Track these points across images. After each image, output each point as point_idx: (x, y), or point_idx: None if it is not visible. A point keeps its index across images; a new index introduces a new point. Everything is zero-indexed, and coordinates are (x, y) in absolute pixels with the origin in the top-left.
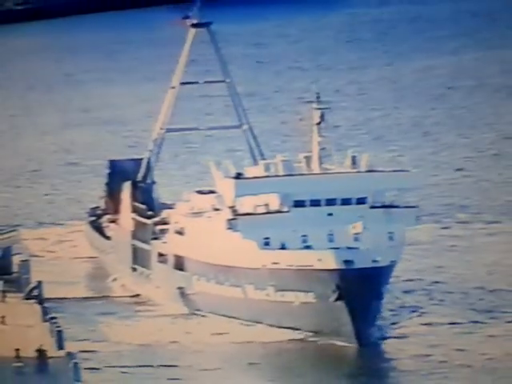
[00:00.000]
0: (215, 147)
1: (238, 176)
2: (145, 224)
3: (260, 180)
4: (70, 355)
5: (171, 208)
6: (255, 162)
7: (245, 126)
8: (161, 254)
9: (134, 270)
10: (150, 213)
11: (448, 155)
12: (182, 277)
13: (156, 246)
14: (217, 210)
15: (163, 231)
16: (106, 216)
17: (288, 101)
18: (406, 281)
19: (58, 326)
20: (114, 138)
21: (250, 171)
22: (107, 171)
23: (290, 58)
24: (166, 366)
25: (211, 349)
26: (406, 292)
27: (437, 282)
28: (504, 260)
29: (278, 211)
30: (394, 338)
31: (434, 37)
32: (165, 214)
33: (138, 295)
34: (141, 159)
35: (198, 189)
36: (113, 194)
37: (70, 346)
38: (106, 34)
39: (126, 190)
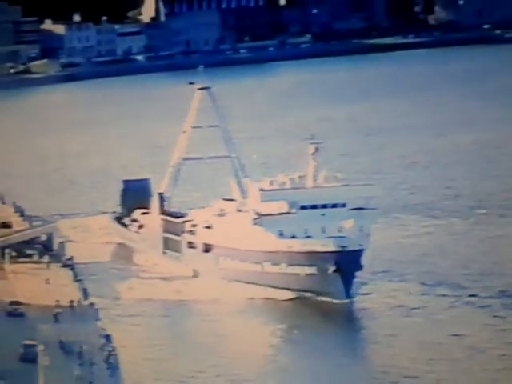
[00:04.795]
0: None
1: (262, 189)
2: (175, 222)
3: (277, 191)
4: (92, 304)
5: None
6: (238, 181)
7: (233, 156)
8: (190, 243)
9: (165, 253)
10: (179, 214)
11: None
12: (210, 258)
13: (186, 237)
14: (239, 211)
15: (187, 227)
16: (126, 218)
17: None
18: None
19: (84, 285)
20: (120, 162)
21: (260, 185)
22: (121, 187)
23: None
24: (176, 316)
25: (222, 303)
26: None
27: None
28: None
29: (289, 213)
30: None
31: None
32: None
33: (155, 265)
34: (144, 179)
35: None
36: (125, 203)
37: (93, 299)
38: (122, 92)
39: (155, 199)
